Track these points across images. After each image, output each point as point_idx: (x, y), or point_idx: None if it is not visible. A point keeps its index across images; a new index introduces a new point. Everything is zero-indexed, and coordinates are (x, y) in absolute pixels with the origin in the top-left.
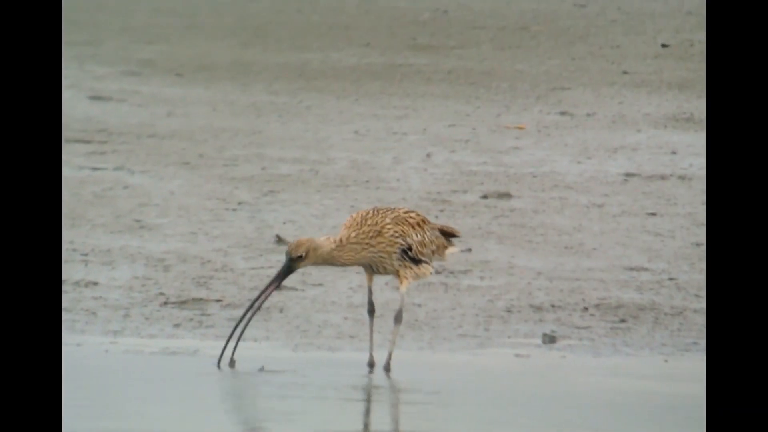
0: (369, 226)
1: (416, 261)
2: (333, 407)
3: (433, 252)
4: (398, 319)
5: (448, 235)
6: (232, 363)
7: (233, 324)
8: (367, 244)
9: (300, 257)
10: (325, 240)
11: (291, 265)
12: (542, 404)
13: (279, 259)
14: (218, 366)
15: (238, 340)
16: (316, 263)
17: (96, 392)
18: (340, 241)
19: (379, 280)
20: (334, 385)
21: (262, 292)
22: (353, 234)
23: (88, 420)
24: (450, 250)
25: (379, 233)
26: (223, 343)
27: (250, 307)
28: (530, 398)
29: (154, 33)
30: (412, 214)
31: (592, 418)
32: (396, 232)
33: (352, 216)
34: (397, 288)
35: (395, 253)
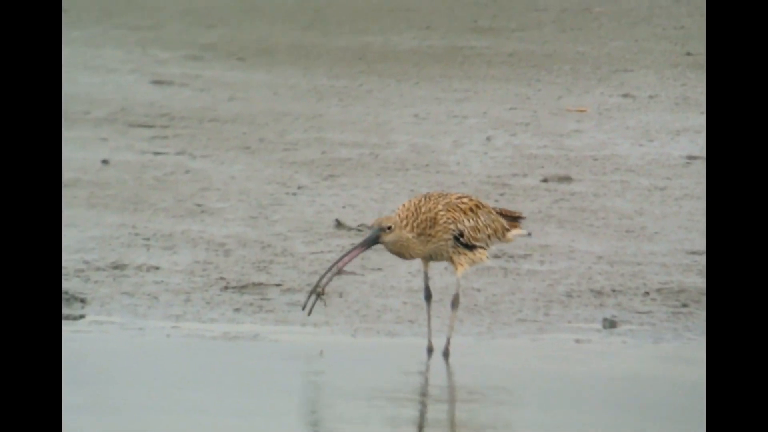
0: (424, 214)
1: (470, 247)
2: (390, 392)
3: (489, 236)
4: (455, 304)
5: (512, 218)
6: (309, 312)
7: (293, 308)
8: (429, 235)
9: (389, 228)
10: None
11: (378, 235)
12: (602, 390)
13: (339, 244)
14: (303, 310)
15: (318, 295)
16: (395, 244)
17: (155, 375)
18: (413, 231)
19: (438, 266)
20: (392, 369)
21: (346, 254)
22: (415, 225)
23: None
24: (514, 233)
25: (435, 221)
26: (283, 327)
27: (330, 268)
28: (590, 383)
29: (216, 17)
30: (465, 200)
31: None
32: (449, 218)
33: (404, 205)
34: (454, 273)
35: (450, 239)
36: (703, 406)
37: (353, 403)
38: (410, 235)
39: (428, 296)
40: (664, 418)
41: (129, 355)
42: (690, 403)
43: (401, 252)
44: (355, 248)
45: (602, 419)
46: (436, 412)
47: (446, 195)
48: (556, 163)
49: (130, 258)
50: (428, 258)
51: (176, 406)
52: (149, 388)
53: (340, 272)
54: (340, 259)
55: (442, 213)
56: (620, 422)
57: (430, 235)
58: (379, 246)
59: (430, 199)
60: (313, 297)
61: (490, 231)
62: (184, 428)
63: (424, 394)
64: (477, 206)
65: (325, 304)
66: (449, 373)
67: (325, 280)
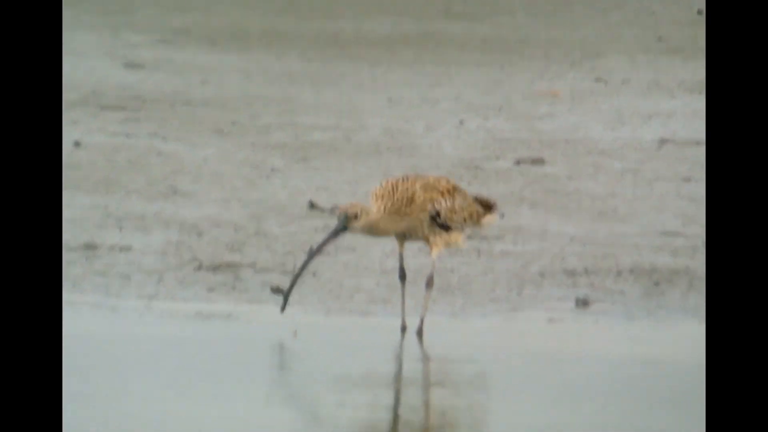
0: (400, 193)
1: (446, 228)
2: (365, 373)
3: (464, 220)
4: (429, 284)
5: (486, 206)
6: (283, 308)
7: (267, 288)
8: (403, 213)
9: (355, 216)
10: (370, 209)
11: (345, 223)
12: (572, 369)
13: (312, 225)
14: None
15: (289, 292)
16: (364, 229)
17: (129, 358)
18: (383, 211)
19: (412, 247)
20: (366, 350)
21: (316, 251)
22: (389, 204)
23: (115, 386)
24: (488, 219)
25: (411, 200)
26: (256, 306)
27: (302, 266)
28: (561, 363)
29: (188, 1)
30: (443, 181)
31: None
32: (426, 198)
33: (381, 185)
34: (429, 254)
35: (425, 219)
36: (673, 384)
37: (327, 385)
38: (379, 217)
39: (403, 276)
40: (641, 397)
41: (100, 335)
42: (660, 381)
43: (373, 233)
44: (322, 243)
45: (573, 397)
46: (411, 394)
47: (424, 176)
48: (529, 146)
49: (103, 238)
50: (403, 236)
51: (145, 389)
52: (120, 369)
53: (307, 265)
54: (310, 257)
55: (419, 193)
56: (592, 401)
57: (405, 213)
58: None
59: (408, 179)
60: (287, 294)
61: (465, 214)
62: (149, 411)
63: (398, 374)
64: (454, 188)
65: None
66: (423, 353)
67: (297, 278)
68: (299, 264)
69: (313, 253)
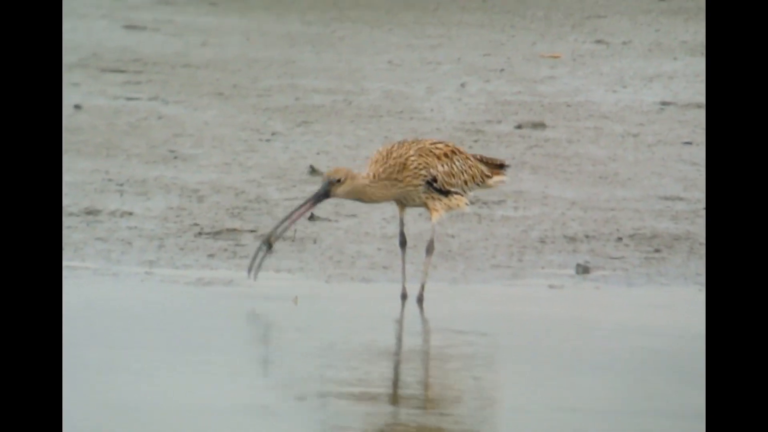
0: (394, 159)
1: (445, 192)
2: (364, 339)
3: (465, 182)
4: (430, 250)
5: (494, 165)
6: (255, 275)
7: (268, 254)
8: (395, 179)
9: (338, 181)
10: (359, 174)
11: (328, 189)
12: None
13: (313, 190)
14: (248, 274)
15: (263, 256)
16: (349, 195)
17: (129, 325)
18: (373, 176)
19: (413, 212)
20: (367, 316)
21: (294, 211)
22: (381, 170)
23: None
24: (495, 179)
25: (404, 166)
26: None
27: (279, 224)
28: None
29: None
30: (440, 145)
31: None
32: (420, 164)
33: (378, 150)
34: (429, 219)
35: (420, 185)
36: (673, 350)
37: (326, 357)
38: (365, 182)
39: (403, 242)
40: (641, 366)
41: (100, 300)
42: (660, 348)
43: (360, 199)
44: (304, 204)
45: (574, 365)
46: (411, 364)
47: (420, 141)
48: (530, 109)
49: (104, 203)
50: (401, 203)
51: (141, 360)
52: (120, 337)
53: (287, 229)
54: (289, 215)
55: (413, 158)
56: (592, 368)
57: (396, 179)
58: (333, 199)
59: (402, 145)
60: (261, 255)
61: (466, 176)
62: (145, 382)
63: (398, 344)
64: (453, 152)
65: (293, 239)
66: (423, 319)
67: (273, 237)
68: (272, 228)
69: (287, 219)
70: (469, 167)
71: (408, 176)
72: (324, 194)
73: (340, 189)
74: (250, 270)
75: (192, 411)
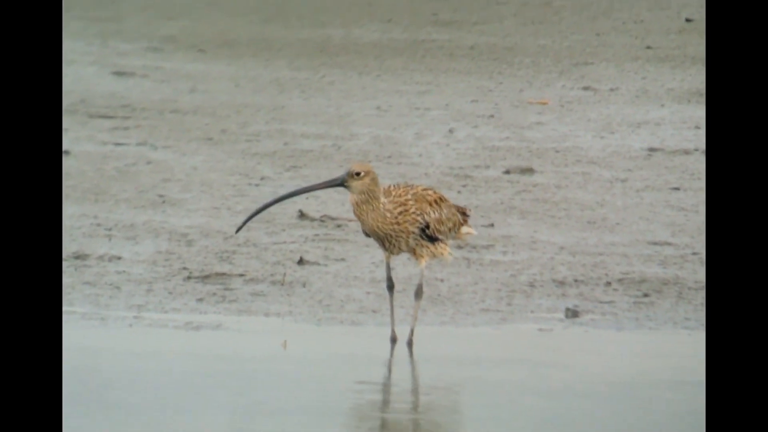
0: (394, 197)
1: (432, 240)
2: (356, 382)
3: (449, 230)
4: (419, 294)
5: (462, 213)
6: (238, 230)
7: (256, 298)
8: (395, 220)
9: (358, 174)
10: (378, 188)
11: (346, 178)
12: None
13: (302, 234)
14: (236, 232)
15: (257, 213)
16: (360, 194)
17: (117, 370)
18: (385, 202)
19: (401, 256)
20: (357, 360)
21: (309, 187)
22: (390, 203)
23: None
24: (465, 230)
25: (405, 209)
26: (246, 317)
27: (286, 195)
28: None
29: (177, 9)
30: (430, 192)
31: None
32: (417, 209)
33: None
34: (417, 264)
35: (414, 232)
36: (667, 397)
37: (317, 396)
38: (383, 199)
39: (390, 286)
40: (634, 412)
41: (89, 346)
42: (652, 395)
43: (360, 208)
44: (319, 183)
45: (563, 405)
46: (401, 405)
47: (413, 186)
48: (518, 155)
49: (92, 248)
50: (385, 245)
51: (133, 403)
52: (109, 381)
53: (288, 197)
54: (305, 188)
55: (411, 202)
56: (581, 411)
57: (397, 222)
58: (340, 234)
59: (399, 187)
60: (256, 212)
61: (450, 224)
62: (135, 426)
63: (387, 385)
64: (440, 199)
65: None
66: (413, 363)
67: (281, 199)
68: (276, 197)
69: (297, 192)
70: (453, 214)
71: (407, 220)
72: (340, 182)
73: (357, 183)
74: (238, 229)
75: None
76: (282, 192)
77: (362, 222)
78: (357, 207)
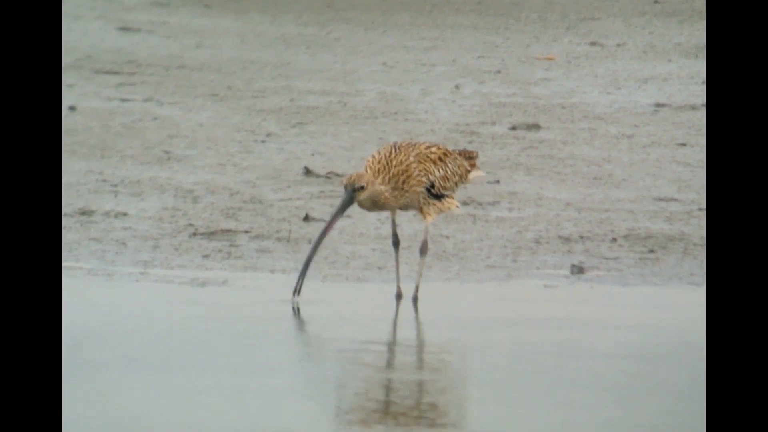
0: (396, 168)
1: (438, 197)
2: (362, 342)
3: (456, 183)
4: (423, 250)
5: (469, 157)
6: (298, 293)
7: (262, 255)
8: (402, 189)
9: (362, 188)
10: (373, 179)
11: (353, 195)
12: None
13: (307, 191)
14: (293, 295)
15: (304, 275)
16: (369, 200)
17: (123, 326)
18: (388, 182)
19: (407, 213)
20: (362, 316)
21: (327, 227)
22: (387, 179)
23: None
24: (473, 174)
25: (408, 175)
26: (251, 273)
27: (316, 244)
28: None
29: None
30: (433, 149)
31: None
32: (421, 170)
33: (374, 156)
34: (422, 221)
35: (422, 192)
36: (669, 353)
37: (324, 356)
38: (383, 188)
39: (396, 243)
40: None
41: (95, 300)
42: (655, 353)
43: (376, 206)
44: (333, 217)
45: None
46: (406, 366)
47: (415, 145)
48: (525, 111)
49: (98, 204)
50: (399, 209)
51: (138, 364)
52: (114, 338)
53: (321, 243)
54: (323, 233)
55: (414, 165)
56: (582, 366)
57: (404, 189)
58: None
59: (400, 151)
60: (302, 276)
61: (456, 178)
62: (140, 388)
63: (392, 342)
64: (445, 155)
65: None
66: (417, 320)
67: (311, 256)
68: (311, 247)
69: (324, 233)
70: (458, 167)
71: (413, 184)
72: (350, 201)
73: (364, 195)
74: (297, 292)
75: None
76: (313, 240)
77: (379, 209)
78: (371, 208)
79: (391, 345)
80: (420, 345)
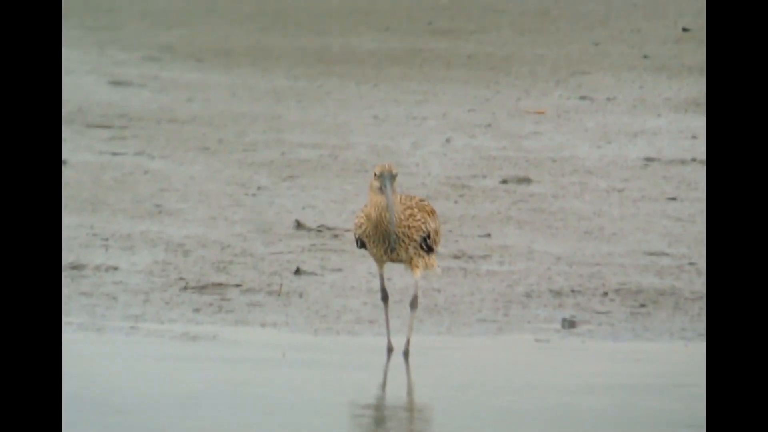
0: (402, 203)
1: (429, 250)
2: (351, 399)
3: (437, 243)
4: (414, 304)
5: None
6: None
7: (253, 309)
8: (405, 225)
9: (395, 176)
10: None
11: (392, 181)
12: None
13: (298, 244)
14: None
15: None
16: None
17: (113, 377)
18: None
19: (397, 267)
20: (353, 371)
21: (389, 204)
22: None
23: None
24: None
25: (412, 215)
26: (242, 327)
27: (390, 216)
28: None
29: (174, 18)
30: (426, 203)
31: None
32: (421, 217)
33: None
34: (412, 275)
35: (416, 240)
36: (662, 407)
37: (318, 410)
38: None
39: (385, 298)
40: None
41: (85, 356)
42: (648, 405)
43: (381, 211)
44: (388, 195)
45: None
46: (397, 417)
47: (411, 197)
48: (515, 164)
49: (89, 258)
50: (383, 257)
51: (127, 413)
52: (105, 390)
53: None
54: (389, 204)
55: (416, 210)
56: (577, 423)
57: (406, 225)
58: (336, 244)
59: (400, 198)
60: (393, 236)
61: (438, 239)
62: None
63: (383, 398)
64: (433, 211)
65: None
66: (408, 374)
67: (392, 224)
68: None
69: (390, 203)
70: (438, 226)
71: (413, 229)
72: (392, 184)
73: (395, 184)
74: (392, 247)
75: None
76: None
77: (374, 221)
78: (373, 228)
79: (381, 400)
80: (410, 400)
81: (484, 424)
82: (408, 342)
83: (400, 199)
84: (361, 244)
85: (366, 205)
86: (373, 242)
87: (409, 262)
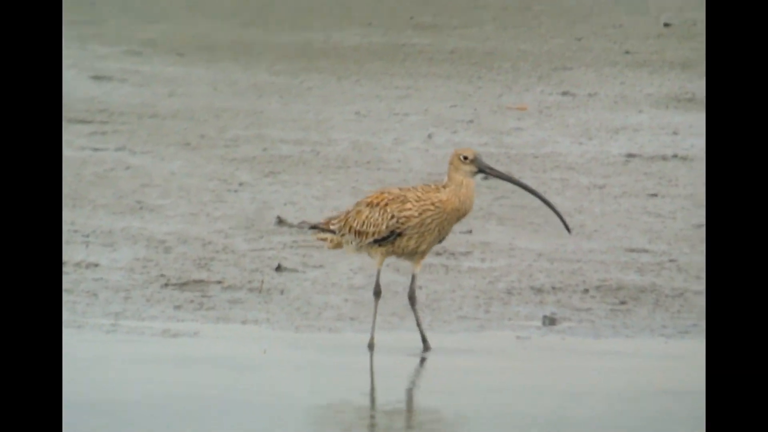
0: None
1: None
2: (337, 399)
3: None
4: (413, 298)
5: None
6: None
7: (234, 306)
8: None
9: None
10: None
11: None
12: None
13: (280, 241)
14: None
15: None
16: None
17: (96, 375)
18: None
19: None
20: (335, 368)
21: (511, 179)
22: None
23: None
24: None
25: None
26: (223, 324)
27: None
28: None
29: (156, 12)
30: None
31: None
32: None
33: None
34: (414, 269)
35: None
36: (646, 407)
37: (300, 408)
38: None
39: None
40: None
41: (66, 353)
42: (631, 404)
43: (464, 199)
44: (503, 171)
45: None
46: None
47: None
48: (497, 160)
49: (69, 255)
50: (392, 251)
51: (110, 413)
52: (86, 388)
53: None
54: (527, 186)
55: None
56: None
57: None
58: (317, 241)
59: (419, 189)
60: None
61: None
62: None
63: (366, 396)
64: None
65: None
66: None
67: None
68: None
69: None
70: None
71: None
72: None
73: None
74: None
75: None
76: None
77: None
78: (453, 217)
79: (368, 408)
80: (400, 410)
81: (474, 426)
82: (424, 339)
83: (419, 189)
84: (387, 237)
85: (409, 199)
86: (421, 234)
87: (422, 256)
